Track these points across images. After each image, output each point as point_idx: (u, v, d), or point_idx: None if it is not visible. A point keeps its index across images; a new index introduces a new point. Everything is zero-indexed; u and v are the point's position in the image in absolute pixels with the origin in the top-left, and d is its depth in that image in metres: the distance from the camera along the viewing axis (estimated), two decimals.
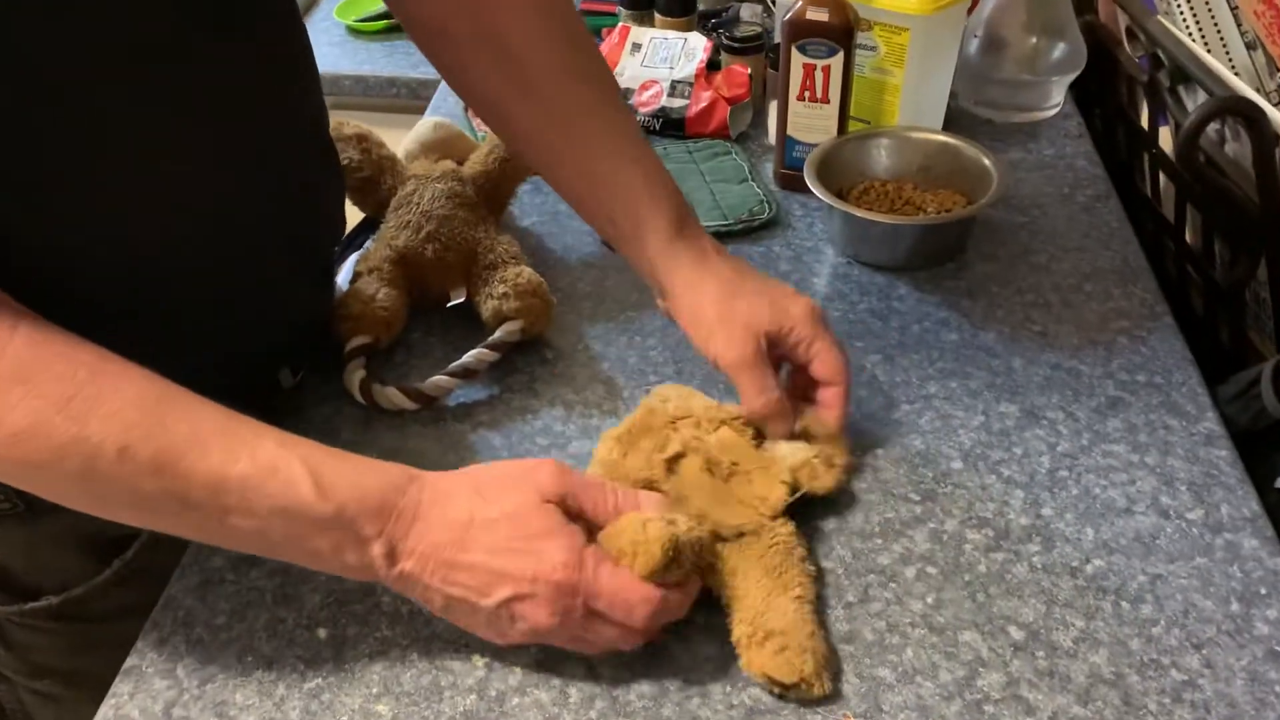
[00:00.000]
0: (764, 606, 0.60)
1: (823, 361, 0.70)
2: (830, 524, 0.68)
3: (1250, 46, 0.94)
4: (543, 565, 0.56)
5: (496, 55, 0.73)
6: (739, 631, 0.60)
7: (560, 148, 0.74)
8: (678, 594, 0.59)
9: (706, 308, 0.70)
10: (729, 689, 0.59)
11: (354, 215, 0.90)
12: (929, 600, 0.63)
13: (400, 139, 1.00)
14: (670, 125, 1.12)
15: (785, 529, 0.64)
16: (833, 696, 0.58)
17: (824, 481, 0.67)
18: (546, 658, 0.61)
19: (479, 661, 0.61)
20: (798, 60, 0.96)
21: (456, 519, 0.57)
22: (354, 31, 1.55)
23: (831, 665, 0.59)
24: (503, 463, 0.61)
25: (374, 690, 0.60)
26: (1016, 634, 0.61)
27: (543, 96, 0.73)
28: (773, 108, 1.05)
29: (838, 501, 0.70)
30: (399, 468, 0.59)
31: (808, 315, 0.70)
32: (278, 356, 0.78)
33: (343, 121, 0.92)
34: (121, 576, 0.73)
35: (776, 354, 0.70)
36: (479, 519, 0.57)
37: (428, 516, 0.57)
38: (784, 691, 0.58)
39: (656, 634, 0.60)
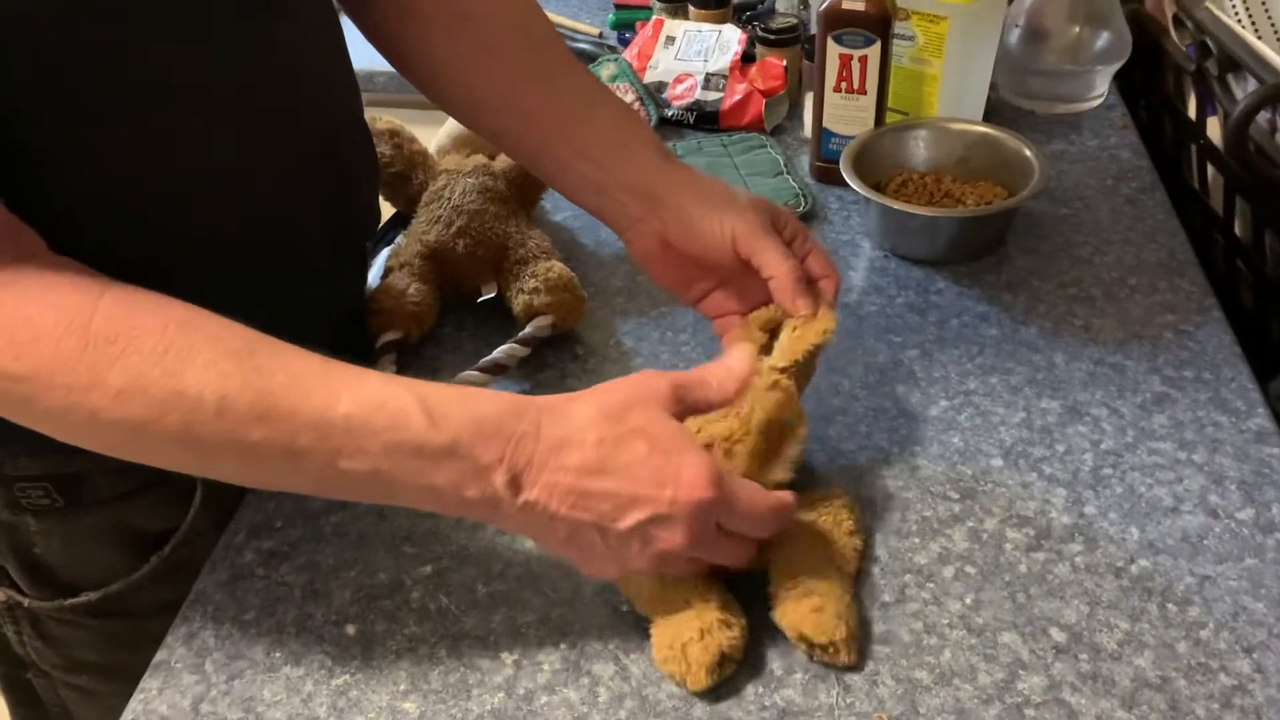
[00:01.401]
0: (805, 566, 0.60)
1: (817, 256, 0.69)
2: (866, 522, 0.67)
3: None
4: (682, 487, 0.53)
5: (458, 22, 0.73)
6: (777, 584, 0.60)
7: (528, 105, 0.74)
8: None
9: (714, 197, 0.69)
10: (761, 690, 0.58)
11: (384, 211, 0.90)
12: (968, 601, 0.62)
13: (433, 135, 1.00)
14: (705, 118, 1.11)
15: (839, 500, 0.65)
16: (867, 684, 0.57)
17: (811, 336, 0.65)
18: (576, 656, 0.60)
19: (507, 659, 0.60)
20: (834, 51, 0.94)
21: (585, 440, 0.54)
22: None
23: (860, 641, 0.59)
24: (611, 382, 0.58)
25: (401, 687, 0.59)
26: (1058, 636, 0.60)
27: (506, 55, 0.73)
28: (808, 100, 1.04)
29: (874, 500, 0.68)
30: (510, 394, 0.56)
31: (794, 215, 0.71)
32: (314, 342, 0.78)
33: (375, 117, 0.92)
34: (159, 573, 0.74)
35: None
36: (609, 438, 0.54)
37: (551, 439, 0.54)
38: (810, 650, 0.59)
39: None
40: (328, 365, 0.54)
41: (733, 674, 0.59)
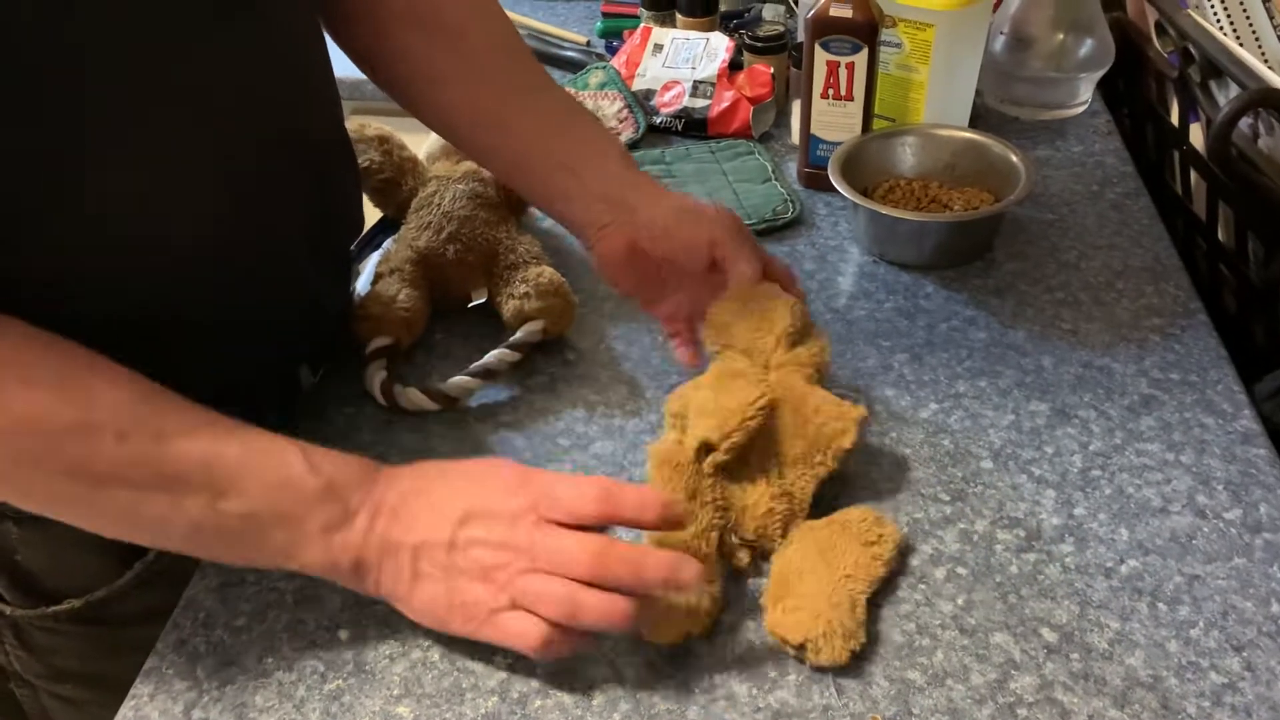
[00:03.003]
0: (797, 575, 0.61)
1: (775, 268, 0.74)
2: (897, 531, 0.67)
3: None
4: (493, 476, 0.59)
5: (434, 33, 0.75)
6: (765, 596, 0.61)
7: (505, 116, 0.76)
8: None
9: (689, 204, 0.74)
10: (755, 692, 0.58)
11: (371, 215, 0.89)
12: (959, 602, 0.62)
13: (422, 142, 1.00)
14: (693, 125, 1.12)
15: (855, 514, 0.65)
16: (858, 676, 0.57)
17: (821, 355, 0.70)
18: (569, 660, 0.60)
19: (501, 663, 0.60)
20: (821, 57, 0.95)
21: (425, 472, 0.60)
22: None
23: (854, 638, 0.58)
24: None
25: (395, 692, 0.59)
26: (1050, 636, 0.60)
27: (484, 68, 0.76)
28: (795, 107, 1.04)
29: (866, 503, 0.68)
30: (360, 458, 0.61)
31: (749, 231, 0.75)
32: (298, 351, 0.78)
33: (364, 123, 0.92)
34: (143, 579, 0.73)
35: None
36: (447, 470, 0.61)
37: (400, 482, 0.59)
38: (796, 652, 0.59)
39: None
40: (219, 416, 0.58)
41: (727, 676, 0.59)
